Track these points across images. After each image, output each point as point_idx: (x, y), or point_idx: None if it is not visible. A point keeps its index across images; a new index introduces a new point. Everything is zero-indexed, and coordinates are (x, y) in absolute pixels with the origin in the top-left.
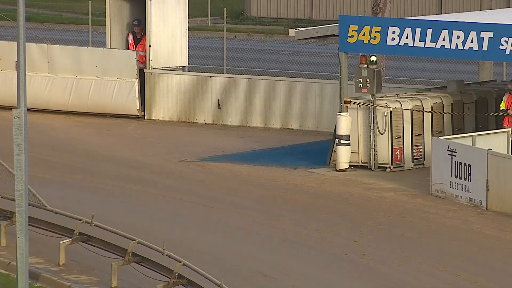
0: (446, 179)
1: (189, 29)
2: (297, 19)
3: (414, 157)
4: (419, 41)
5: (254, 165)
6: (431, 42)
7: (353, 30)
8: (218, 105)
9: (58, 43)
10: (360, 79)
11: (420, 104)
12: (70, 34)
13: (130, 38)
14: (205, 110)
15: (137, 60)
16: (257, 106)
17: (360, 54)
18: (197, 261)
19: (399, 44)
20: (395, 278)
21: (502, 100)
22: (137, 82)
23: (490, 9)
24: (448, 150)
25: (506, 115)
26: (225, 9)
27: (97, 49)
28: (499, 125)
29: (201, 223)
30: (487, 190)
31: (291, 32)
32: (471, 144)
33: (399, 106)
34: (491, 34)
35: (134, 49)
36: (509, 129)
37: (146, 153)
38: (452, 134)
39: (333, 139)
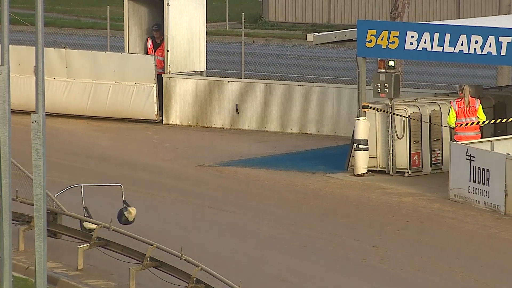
0: (465, 184)
1: (207, 33)
2: (315, 23)
3: (433, 162)
4: (437, 45)
5: (272, 169)
6: (449, 46)
7: (371, 35)
8: (236, 109)
9: (77, 47)
10: (378, 84)
11: (439, 109)
12: (89, 39)
13: (149, 43)
14: (223, 114)
15: (155, 65)
16: (275, 111)
17: (378, 58)
18: (215, 266)
19: (417, 49)
20: (413, 283)
21: (450, 111)
22: (155, 86)
23: (509, 14)
24: (466, 155)
25: (464, 126)
26: (243, 13)
27: (115, 54)
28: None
29: (218, 228)
30: (506, 195)
31: (309, 37)
32: (489, 149)
33: (418, 111)
34: (509, 39)
35: (153, 54)
36: None
37: (164, 157)
38: None
39: (351, 144)
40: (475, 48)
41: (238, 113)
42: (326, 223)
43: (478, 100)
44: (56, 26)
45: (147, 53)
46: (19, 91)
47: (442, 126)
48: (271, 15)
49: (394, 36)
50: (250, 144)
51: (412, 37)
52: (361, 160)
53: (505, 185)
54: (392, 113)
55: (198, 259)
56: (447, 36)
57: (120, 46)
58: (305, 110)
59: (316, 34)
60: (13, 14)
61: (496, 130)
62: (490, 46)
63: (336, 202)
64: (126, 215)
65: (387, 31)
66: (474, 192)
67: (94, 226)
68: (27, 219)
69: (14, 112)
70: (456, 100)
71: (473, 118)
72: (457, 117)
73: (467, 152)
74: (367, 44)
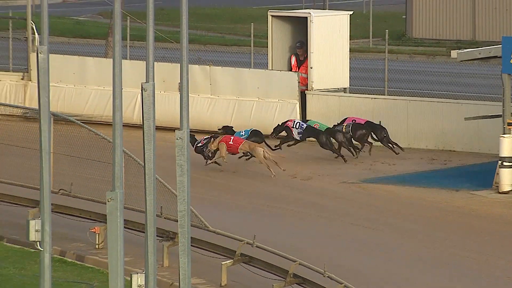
0: None
1: (350, 50)
2: (459, 40)
3: None
4: None
5: (416, 186)
6: None
7: None
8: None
9: (221, 64)
10: None
11: None
12: (232, 56)
13: (293, 60)
14: None
15: (298, 82)
16: (418, 128)
17: None
18: (357, 284)
19: None
20: None
21: None
22: (298, 103)
23: None
24: None
25: None
26: (386, 30)
27: (259, 71)
28: None
29: (361, 245)
30: None
31: (454, 53)
32: None
33: None
34: None
35: (297, 71)
36: None
37: (307, 174)
38: None
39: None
40: None
41: None
42: (470, 241)
43: None
44: (201, 43)
45: (291, 70)
46: (164, 108)
47: None
48: (415, 31)
49: None
50: (393, 161)
51: None
52: (506, 178)
53: None
54: None
55: (339, 276)
56: None
57: (263, 63)
58: (449, 127)
59: (461, 50)
60: (158, 31)
61: None
62: None
63: (480, 219)
64: None
65: None
66: None
67: None
68: (171, 235)
69: (158, 128)
70: None
71: None
72: None
73: None
74: None
